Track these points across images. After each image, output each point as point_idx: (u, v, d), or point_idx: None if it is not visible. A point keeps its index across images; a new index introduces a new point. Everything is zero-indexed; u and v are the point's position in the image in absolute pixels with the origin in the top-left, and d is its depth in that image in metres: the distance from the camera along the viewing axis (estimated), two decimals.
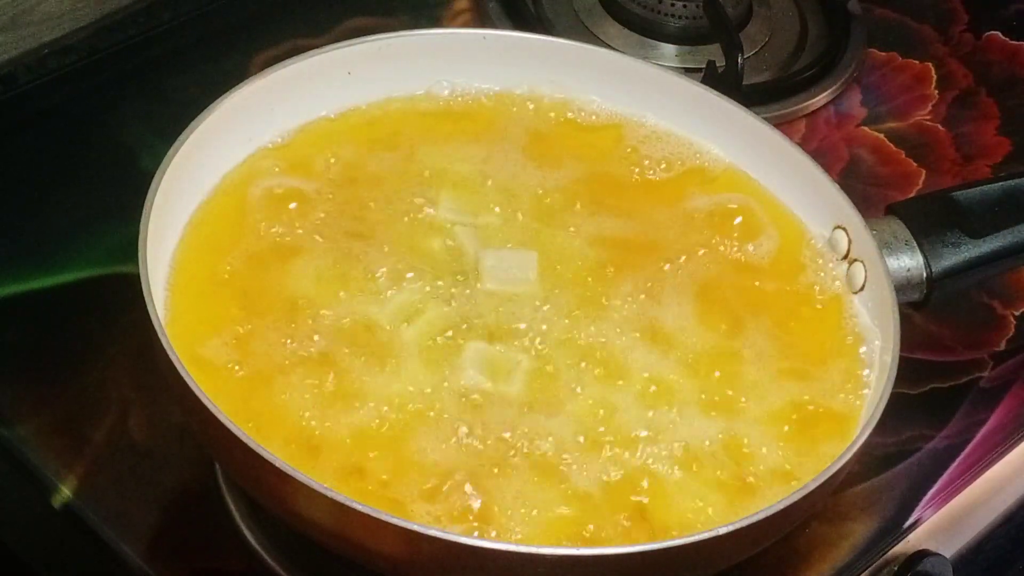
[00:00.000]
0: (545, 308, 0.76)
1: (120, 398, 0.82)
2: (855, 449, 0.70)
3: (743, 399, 0.74)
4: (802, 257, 0.81)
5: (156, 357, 0.68)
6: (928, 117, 1.06)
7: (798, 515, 0.71)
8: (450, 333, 0.74)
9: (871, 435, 0.70)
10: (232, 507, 0.78)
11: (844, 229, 0.80)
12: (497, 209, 0.81)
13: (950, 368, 0.90)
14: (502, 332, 0.75)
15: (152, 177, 0.73)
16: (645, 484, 0.70)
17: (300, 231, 0.78)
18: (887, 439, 0.85)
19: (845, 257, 0.80)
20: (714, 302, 0.78)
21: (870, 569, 0.82)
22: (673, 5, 1.06)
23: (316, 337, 0.73)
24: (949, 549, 0.87)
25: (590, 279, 0.78)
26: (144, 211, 0.71)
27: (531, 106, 0.86)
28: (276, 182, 0.80)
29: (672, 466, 0.71)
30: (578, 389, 0.73)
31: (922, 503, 0.84)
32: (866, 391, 0.76)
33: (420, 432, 0.70)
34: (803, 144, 0.89)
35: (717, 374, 0.75)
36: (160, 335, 0.67)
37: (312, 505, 0.65)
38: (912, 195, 0.99)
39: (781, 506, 0.67)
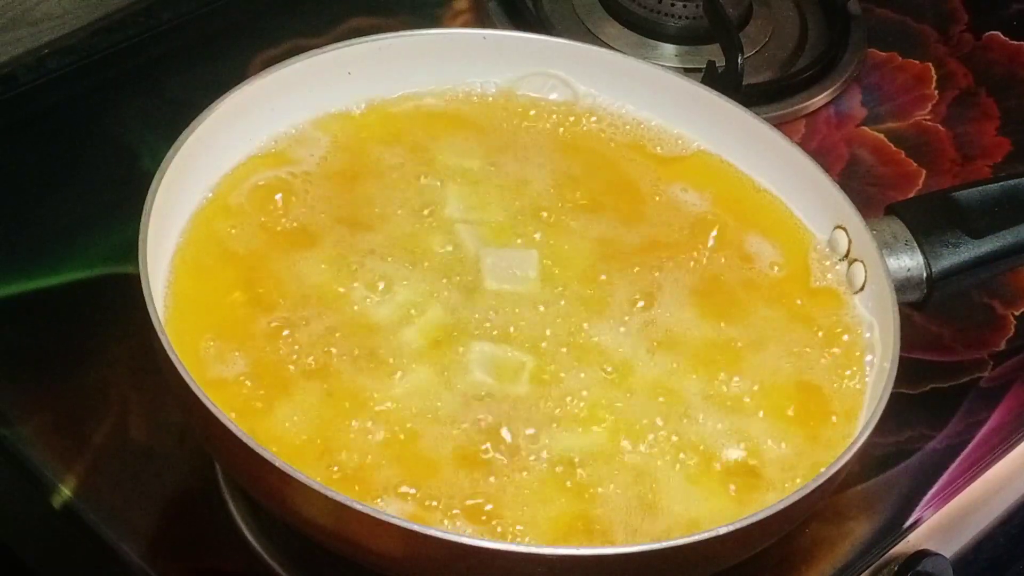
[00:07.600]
0: (548, 307, 0.76)
1: (120, 398, 0.81)
2: (855, 449, 0.70)
3: (745, 398, 0.74)
4: (802, 257, 0.81)
5: (156, 357, 0.68)
6: (928, 117, 1.06)
7: (798, 515, 0.71)
8: (454, 333, 0.74)
9: (871, 435, 0.70)
10: (232, 507, 0.78)
11: (844, 229, 0.80)
12: (498, 208, 0.81)
13: (950, 368, 0.90)
14: (506, 332, 0.75)
15: (152, 177, 0.73)
16: (652, 483, 0.70)
17: (301, 231, 0.78)
18: (887, 439, 0.85)
19: (845, 257, 0.80)
20: (715, 301, 0.78)
21: (870, 569, 0.82)
22: (673, 5, 1.06)
23: (318, 337, 0.73)
24: (949, 549, 0.87)
25: (592, 278, 0.78)
26: (144, 211, 0.71)
27: (531, 106, 0.86)
28: (276, 182, 0.80)
29: (677, 465, 0.71)
30: (584, 389, 0.73)
31: (922, 503, 0.84)
32: (866, 391, 0.76)
33: (426, 432, 0.70)
34: (803, 144, 0.89)
35: (720, 373, 0.75)
36: (160, 335, 0.67)
37: (312, 505, 0.65)
38: (912, 195, 0.99)
39: (781, 506, 0.67)
